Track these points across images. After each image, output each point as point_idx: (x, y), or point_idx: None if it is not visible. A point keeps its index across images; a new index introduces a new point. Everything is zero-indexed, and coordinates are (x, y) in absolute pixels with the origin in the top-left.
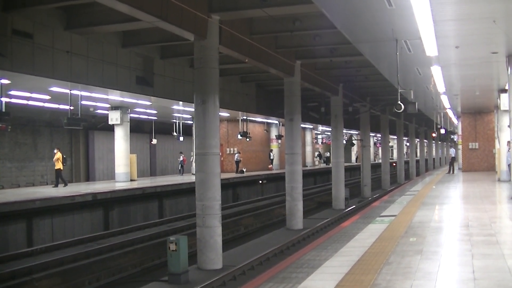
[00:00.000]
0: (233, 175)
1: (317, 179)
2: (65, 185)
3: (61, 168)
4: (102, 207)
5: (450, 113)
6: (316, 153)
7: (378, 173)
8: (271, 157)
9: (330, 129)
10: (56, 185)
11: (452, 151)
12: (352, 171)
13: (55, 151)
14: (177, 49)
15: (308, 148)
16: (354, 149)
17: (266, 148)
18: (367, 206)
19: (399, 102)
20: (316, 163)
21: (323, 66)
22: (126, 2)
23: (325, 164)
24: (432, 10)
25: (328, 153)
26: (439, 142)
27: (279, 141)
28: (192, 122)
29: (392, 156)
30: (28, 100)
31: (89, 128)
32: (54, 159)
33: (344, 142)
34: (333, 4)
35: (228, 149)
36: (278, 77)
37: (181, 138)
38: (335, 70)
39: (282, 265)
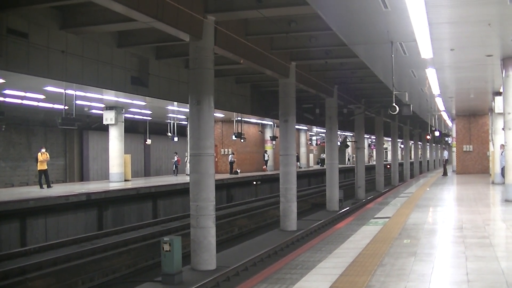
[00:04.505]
0: (227, 176)
1: (311, 181)
2: (43, 187)
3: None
4: (96, 207)
5: (445, 115)
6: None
7: (372, 175)
8: (266, 158)
9: (325, 130)
10: (43, 186)
11: (445, 154)
12: (346, 173)
13: (44, 150)
14: (172, 49)
15: (303, 149)
16: (349, 151)
17: (261, 149)
18: (361, 208)
19: (394, 104)
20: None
21: (318, 68)
22: (122, 2)
23: (321, 166)
24: (428, 12)
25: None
26: (434, 145)
27: (274, 142)
28: (186, 122)
29: (386, 158)
30: (22, 99)
31: (84, 128)
32: (43, 159)
33: (339, 143)
34: (328, 6)
35: (222, 150)
36: (273, 78)
37: (176, 139)
38: (330, 72)
39: (276, 266)
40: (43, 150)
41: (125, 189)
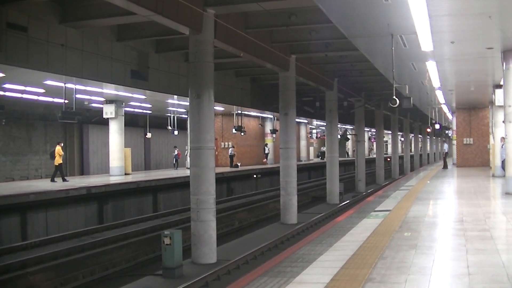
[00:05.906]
0: (228, 169)
1: (311, 174)
2: (63, 180)
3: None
4: (96, 201)
5: (445, 108)
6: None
7: (373, 168)
8: (266, 152)
9: (325, 123)
10: (65, 179)
11: (445, 147)
12: (346, 166)
13: (62, 144)
14: (172, 43)
15: (303, 143)
16: (349, 144)
17: (261, 142)
18: (362, 201)
19: (394, 97)
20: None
21: (318, 61)
22: None
23: (321, 159)
24: (428, 5)
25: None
26: (434, 138)
27: (274, 135)
28: (186, 116)
29: (386, 151)
30: (22, 93)
31: (84, 122)
32: (62, 153)
33: (339, 137)
34: None
35: (222, 143)
36: (273, 71)
37: (176, 132)
38: (330, 65)
39: (276, 259)
40: (62, 144)
41: (125, 182)
